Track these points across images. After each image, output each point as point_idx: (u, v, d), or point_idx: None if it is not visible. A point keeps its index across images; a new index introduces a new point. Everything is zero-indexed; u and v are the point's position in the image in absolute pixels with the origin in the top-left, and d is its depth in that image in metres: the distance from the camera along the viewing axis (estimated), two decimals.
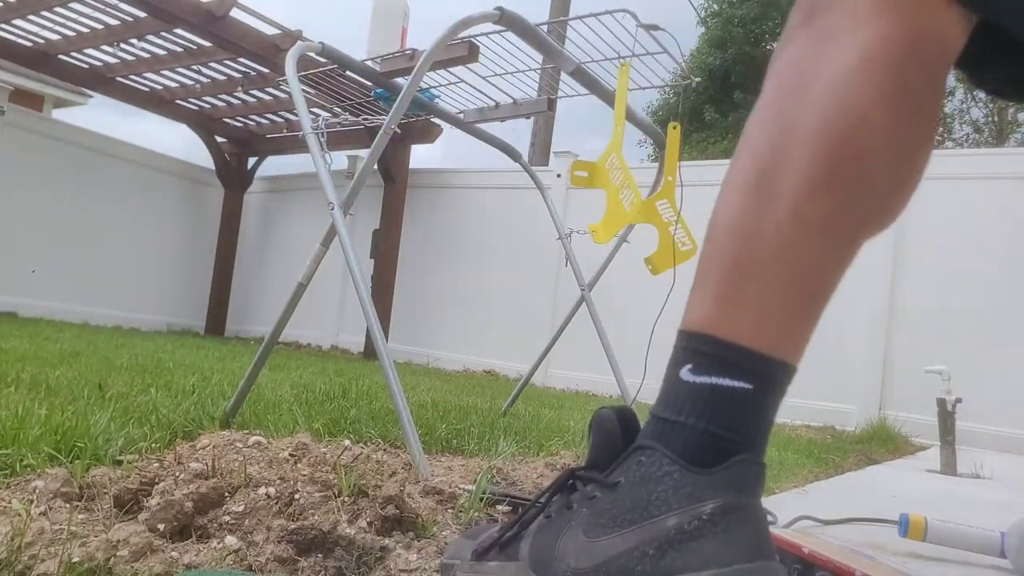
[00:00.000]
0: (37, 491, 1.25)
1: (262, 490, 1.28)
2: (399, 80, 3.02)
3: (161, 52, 8.11)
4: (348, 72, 3.09)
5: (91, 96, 14.75)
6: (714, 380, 0.76)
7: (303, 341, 9.57)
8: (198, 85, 8.90)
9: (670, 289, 2.40)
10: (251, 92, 8.85)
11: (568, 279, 4.19)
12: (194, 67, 8.36)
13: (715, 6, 18.78)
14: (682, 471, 0.73)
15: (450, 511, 1.43)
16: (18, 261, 8.51)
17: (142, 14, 7.15)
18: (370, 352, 8.35)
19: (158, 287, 10.08)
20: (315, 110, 7.59)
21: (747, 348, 0.76)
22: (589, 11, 2.60)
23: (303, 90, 2.36)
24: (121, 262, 9.61)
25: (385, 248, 8.95)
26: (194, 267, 10.41)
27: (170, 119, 9.66)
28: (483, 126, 3.44)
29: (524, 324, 8.02)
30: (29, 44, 8.19)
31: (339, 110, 7.08)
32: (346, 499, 1.29)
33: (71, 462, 1.46)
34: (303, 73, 2.99)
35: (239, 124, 9.99)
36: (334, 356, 8.25)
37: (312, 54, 2.64)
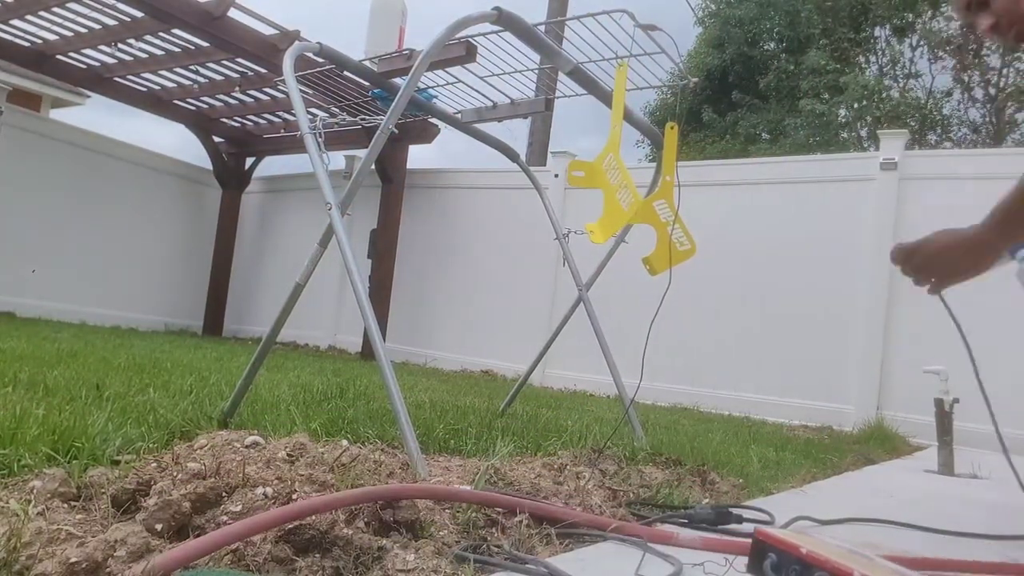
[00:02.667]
0: (35, 491, 1.25)
1: (260, 490, 1.28)
2: (397, 80, 3.02)
3: (159, 52, 8.10)
4: (346, 72, 3.09)
5: (89, 96, 14.74)
6: None
7: (301, 341, 9.56)
8: (196, 85, 8.89)
9: (666, 289, 2.40)
10: (249, 92, 8.84)
11: (566, 279, 4.19)
12: (192, 67, 8.35)
13: (712, 6, 18.78)
14: None
15: (447, 511, 1.43)
16: (16, 261, 8.50)
17: (140, 14, 7.14)
18: (368, 352, 8.35)
19: (156, 287, 10.07)
20: (313, 110, 7.59)
21: None
22: (587, 11, 2.61)
23: (301, 90, 2.36)
24: (119, 262, 9.59)
25: (383, 248, 8.95)
26: (192, 267, 10.40)
27: (168, 119, 9.66)
28: (481, 126, 3.44)
29: (522, 324, 8.02)
30: (27, 44, 8.18)
31: (337, 110, 7.08)
32: None
33: (69, 462, 1.46)
34: (301, 73, 2.99)
35: (237, 124, 9.98)
36: (332, 356, 8.25)
37: (310, 54, 2.64)
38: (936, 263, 1.74)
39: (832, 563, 1.05)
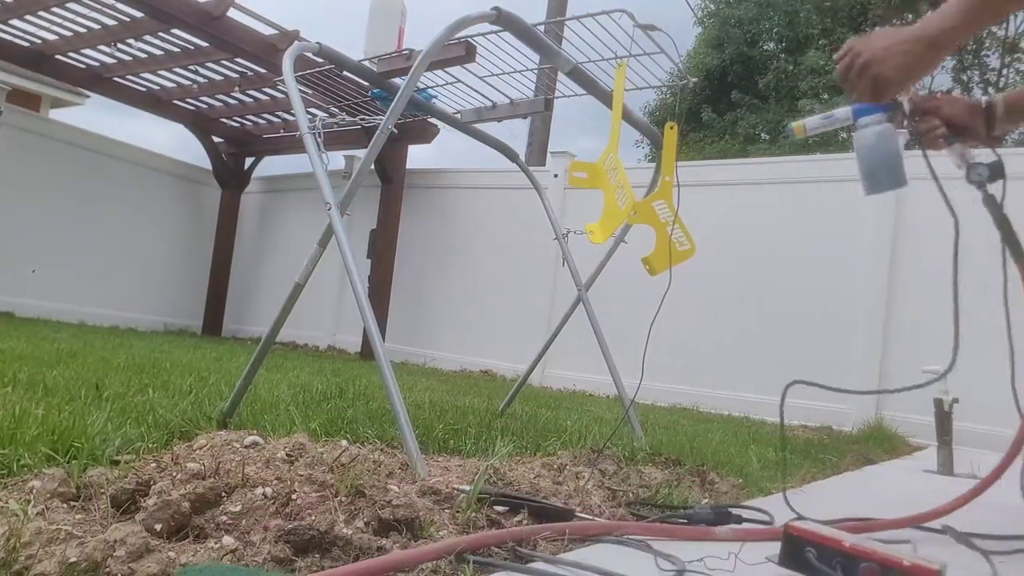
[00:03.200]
0: (34, 491, 1.25)
1: (259, 490, 1.28)
2: (396, 80, 3.02)
3: (158, 52, 8.10)
4: (345, 72, 3.09)
5: (88, 96, 14.74)
6: None
7: (300, 341, 9.56)
8: (195, 85, 8.88)
9: (666, 289, 2.40)
10: (248, 92, 8.84)
11: (566, 279, 4.19)
12: (191, 67, 8.35)
13: (712, 6, 18.80)
14: None
15: (447, 511, 1.43)
16: (15, 261, 8.49)
17: (139, 14, 7.14)
18: (367, 352, 8.34)
19: (155, 287, 10.07)
20: (312, 110, 7.58)
21: None
22: (586, 11, 2.61)
23: (300, 90, 2.36)
24: (118, 262, 9.59)
25: (382, 248, 8.95)
26: (191, 267, 10.40)
27: (167, 119, 9.65)
28: (480, 126, 3.44)
29: (521, 324, 8.02)
30: (26, 44, 8.18)
31: (336, 110, 7.08)
32: (343, 499, 1.29)
33: (68, 462, 1.46)
34: (300, 73, 2.99)
35: (236, 124, 9.98)
36: (331, 356, 8.25)
37: (309, 54, 2.64)
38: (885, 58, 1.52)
39: (879, 554, 1.06)
